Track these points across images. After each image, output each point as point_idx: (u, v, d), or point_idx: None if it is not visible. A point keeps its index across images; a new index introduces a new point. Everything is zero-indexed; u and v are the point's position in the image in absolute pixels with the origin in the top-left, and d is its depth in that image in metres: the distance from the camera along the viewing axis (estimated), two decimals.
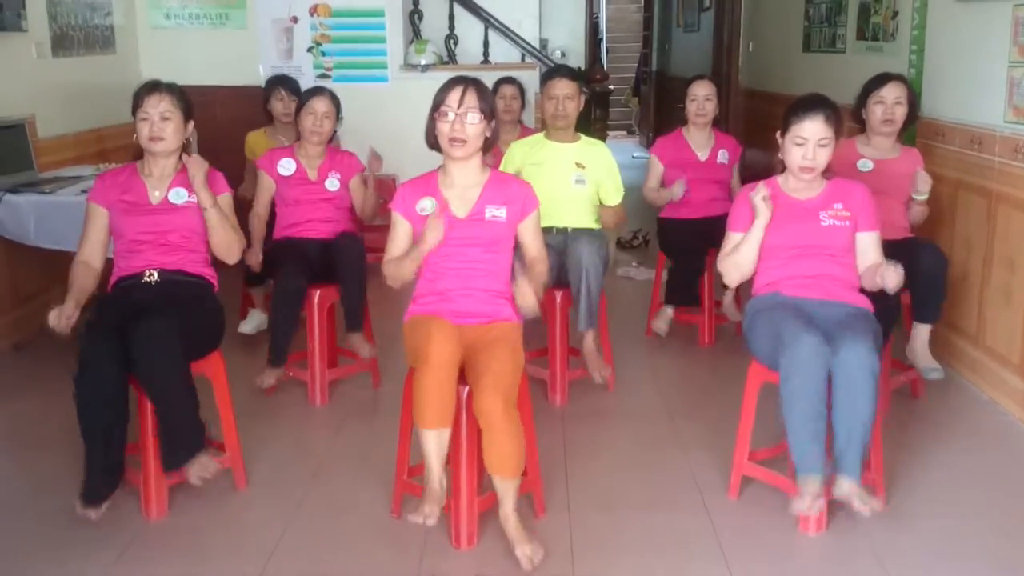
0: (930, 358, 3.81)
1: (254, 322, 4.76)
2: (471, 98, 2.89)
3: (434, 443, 2.77)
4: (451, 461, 2.86)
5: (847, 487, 2.82)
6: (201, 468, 2.99)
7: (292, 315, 3.97)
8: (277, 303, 3.96)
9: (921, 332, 3.83)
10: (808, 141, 3.04)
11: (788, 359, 2.84)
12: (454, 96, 2.89)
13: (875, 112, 3.91)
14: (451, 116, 2.89)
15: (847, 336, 2.85)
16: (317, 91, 4.23)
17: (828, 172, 3.18)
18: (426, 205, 2.98)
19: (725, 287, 4.72)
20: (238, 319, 4.78)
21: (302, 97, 4.29)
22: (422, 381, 2.72)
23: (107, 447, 2.94)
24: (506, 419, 2.72)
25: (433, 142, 2.99)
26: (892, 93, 3.89)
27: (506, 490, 2.81)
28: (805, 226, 3.10)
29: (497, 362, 2.78)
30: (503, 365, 2.79)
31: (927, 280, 3.73)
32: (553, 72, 4.24)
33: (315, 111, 4.14)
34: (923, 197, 3.87)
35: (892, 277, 2.94)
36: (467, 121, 2.89)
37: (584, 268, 3.82)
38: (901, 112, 3.90)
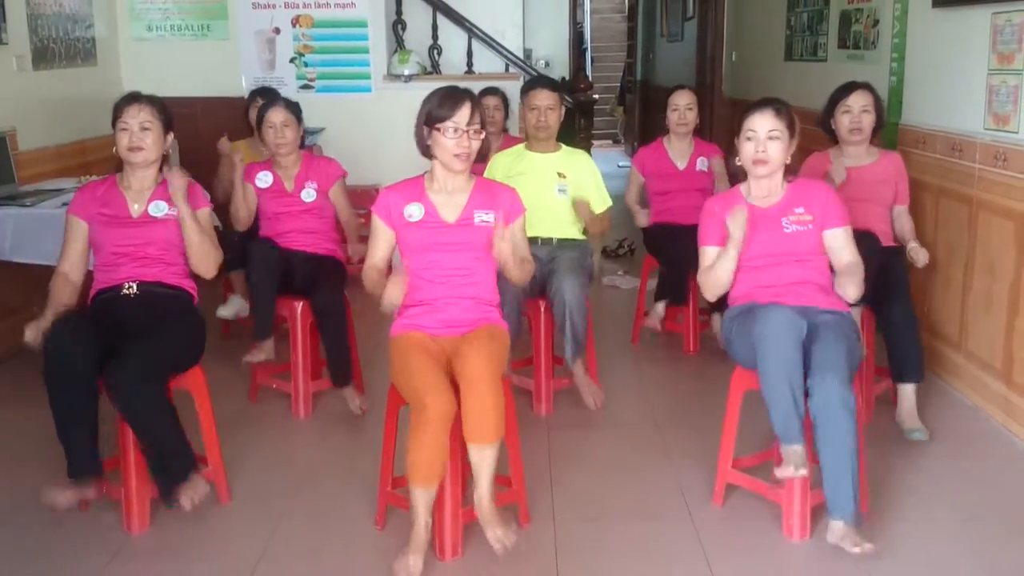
0: (916, 420, 3.71)
1: (233, 307, 4.73)
2: (477, 114, 2.93)
3: (423, 497, 2.76)
4: None
5: (839, 531, 2.83)
6: (192, 490, 2.96)
7: (271, 283, 3.92)
8: (254, 273, 3.92)
9: (907, 395, 3.75)
10: (757, 133, 3.07)
11: (762, 335, 2.86)
12: (464, 113, 2.90)
13: (843, 122, 3.91)
14: (460, 133, 2.90)
15: (820, 373, 2.83)
16: (271, 103, 4.17)
17: (789, 175, 3.19)
18: (414, 211, 2.98)
19: (712, 311, 4.72)
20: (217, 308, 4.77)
21: (259, 112, 4.23)
22: (417, 442, 2.70)
23: (88, 409, 2.89)
24: (489, 378, 2.72)
25: (428, 151, 2.99)
26: (859, 102, 3.89)
27: (483, 461, 2.76)
28: (769, 235, 3.12)
29: (482, 341, 2.83)
30: (488, 343, 2.83)
31: (899, 340, 3.72)
32: (534, 83, 4.24)
33: (273, 123, 4.08)
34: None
35: (852, 290, 3.00)
36: (472, 137, 2.91)
37: (568, 308, 3.80)
38: (868, 120, 3.90)
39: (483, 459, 2.77)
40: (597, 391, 4.04)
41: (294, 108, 4.16)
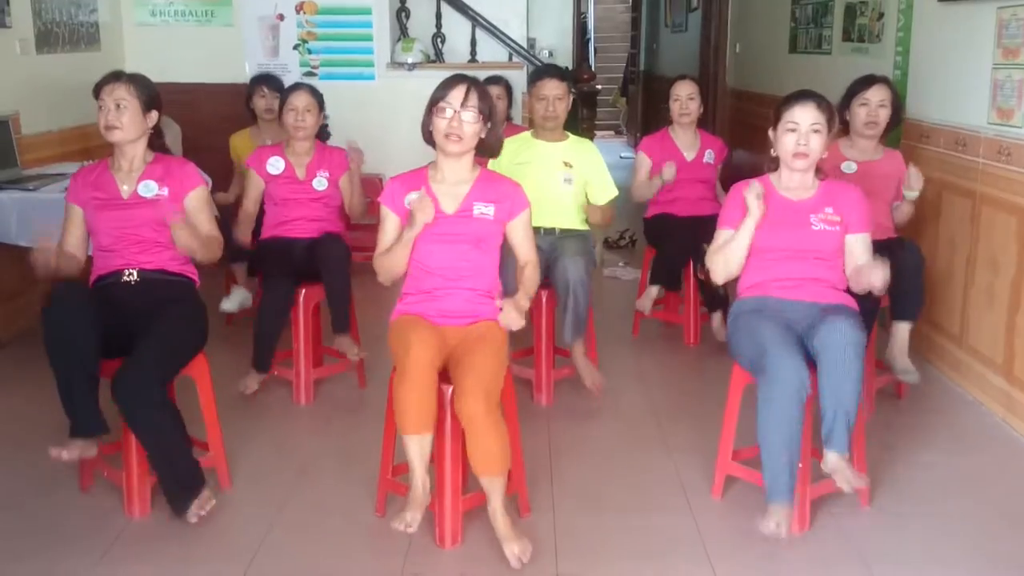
0: (907, 360, 3.79)
1: (237, 299, 4.73)
2: (473, 97, 2.91)
3: (416, 448, 2.77)
4: (435, 460, 2.86)
5: (833, 461, 2.85)
6: (199, 507, 2.97)
7: (278, 323, 3.95)
8: (264, 310, 3.94)
9: (901, 332, 3.81)
10: (800, 126, 3.03)
11: (767, 387, 2.85)
12: (457, 94, 2.90)
13: (859, 114, 3.92)
14: (450, 113, 2.90)
15: (830, 316, 2.87)
16: (296, 87, 4.22)
17: (820, 173, 3.18)
18: (414, 197, 2.98)
19: (711, 310, 4.72)
20: (221, 300, 4.77)
21: (282, 95, 4.27)
22: (400, 387, 2.74)
23: (84, 381, 2.89)
24: (488, 418, 2.73)
25: (429, 137, 3.00)
26: (877, 96, 3.90)
27: (493, 487, 2.82)
28: (796, 229, 3.10)
29: (479, 361, 2.80)
30: (485, 364, 2.80)
31: (904, 277, 3.70)
32: (542, 72, 4.23)
33: (295, 107, 4.11)
34: (914, 195, 3.88)
35: (878, 276, 2.97)
36: (465, 119, 2.90)
37: (571, 285, 3.80)
38: (885, 115, 3.91)
39: (492, 485, 2.82)
40: (597, 374, 4.04)
41: (318, 96, 4.21)
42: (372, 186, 5.36)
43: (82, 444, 2.90)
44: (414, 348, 2.73)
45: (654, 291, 4.74)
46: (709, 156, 4.82)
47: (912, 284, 3.76)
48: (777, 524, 2.81)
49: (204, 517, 2.98)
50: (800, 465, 2.89)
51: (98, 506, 3.10)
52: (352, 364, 4.14)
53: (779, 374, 2.82)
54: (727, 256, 3.13)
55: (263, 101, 4.96)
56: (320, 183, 4.15)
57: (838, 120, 3.98)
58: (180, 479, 2.97)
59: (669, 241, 4.67)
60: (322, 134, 4.31)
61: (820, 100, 3.06)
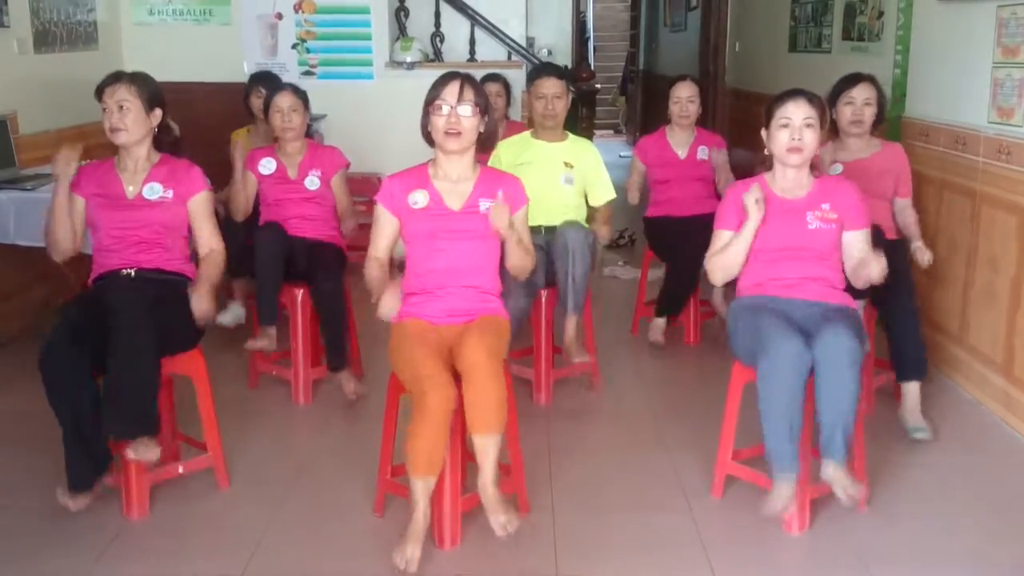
0: (919, 418, 3.68)
1: (232, 314, 4.72)
2: (468, 92, 2.91)
3: (422, 485, 2.76)
4: None
5: (831, 471, 2.84)
6: (143, 450, 2.90)
7: (276, 268, 3.92)
8: (260, 258, 3.91)
9: (911, 392, 3.72)
10: (793, 121, 3.04)
11: (767, 363, 2.85)
12: (451, 90, 2.90)
13: (844, 113, 3.90)
14: (447, 109, 2.90)
15: (828, 326, 2.86)
16: (279, 88, 4.21)
17: (815, 170, 3.17)
18: (419, 199, 2.97)
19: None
20: (219, 310, 4.75)
21: (267, 97, 4.24)
22: (419, 432, 2.70)
23: (82, 429, 2.89)
24: (490, 366, 2.72)
25: (429, 137, 3.00)
26: (862, 94, 3.88)
27: (487, 451, 2.76)
28: (792, 227, 3.09)
29: (482, 327, 2.84)
30: (488, 328, 2.84)
31: (903, 338, 3.70)
32: (540, 71, 4.21)
33: (280, 108, 4.10)
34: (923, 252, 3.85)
35: (876, 270, 2.97)
36: (462, 114, 2.90)
37: (571, 251, 3.76)
38: (870, 113, 3.89)
39: (487, 447, 2.76)
40: (585, 352, 3.94)
41: (301, 94, 4.19)
42: (370, 186, 5.36)
43: (83, 497, 2.94)
44: (430, 395, 2.68)
45: (661, 323, 4.69)
46: (702, 152, 4.78)
47: (913, 346, 3.70)
48: (782, 503, 2.82)
49: (145, 461, 2.95)
50: (799, 467, 2.88)
51: (97, 507, 3.07)
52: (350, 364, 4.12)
53: (779, 350, 2.83)
54: (726, 262, 3.14)
55: (259, 101, 4.95)
56: (312, 182, 4.13)
57: (828, 119, 3.99)
58: (132, 406, 2.89)
59: (678, 257, 4.59)
60: (307, 132, 4.29)
61: (812, 96, 3.08)
